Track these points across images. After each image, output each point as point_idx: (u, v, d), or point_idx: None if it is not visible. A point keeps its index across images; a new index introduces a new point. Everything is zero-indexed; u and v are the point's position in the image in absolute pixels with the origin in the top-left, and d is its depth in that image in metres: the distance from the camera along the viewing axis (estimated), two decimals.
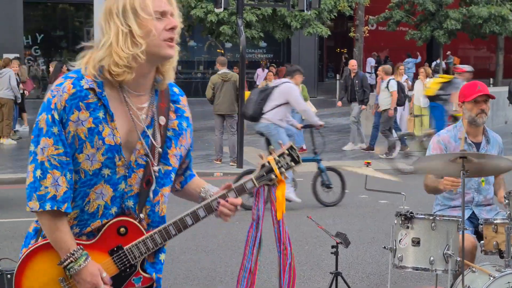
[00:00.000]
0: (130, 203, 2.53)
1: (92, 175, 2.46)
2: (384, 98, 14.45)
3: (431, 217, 4.40)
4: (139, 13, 2.40)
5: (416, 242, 4.37)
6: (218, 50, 29.49)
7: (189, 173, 2.83)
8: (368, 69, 31.08)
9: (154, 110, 2.54)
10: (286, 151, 2.68)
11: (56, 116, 2.42)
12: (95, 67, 2.44)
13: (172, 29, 2.45)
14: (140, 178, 2.52)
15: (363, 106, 15.37)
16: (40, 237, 2.59)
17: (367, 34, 30.57)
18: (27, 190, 2.48)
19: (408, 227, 4.41)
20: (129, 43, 2.40)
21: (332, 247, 5.11)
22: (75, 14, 29.17)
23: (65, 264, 2.45)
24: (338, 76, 32.30)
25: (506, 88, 18.89)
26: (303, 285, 6.17)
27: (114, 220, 2.51)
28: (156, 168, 2.55)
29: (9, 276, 4.37)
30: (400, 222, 4.45)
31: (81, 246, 2.47)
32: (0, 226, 8.45)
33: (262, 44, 26.55)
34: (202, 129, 17.93)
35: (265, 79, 17.34)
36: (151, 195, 2.58)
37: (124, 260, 2.53)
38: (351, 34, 24.38)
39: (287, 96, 9.64)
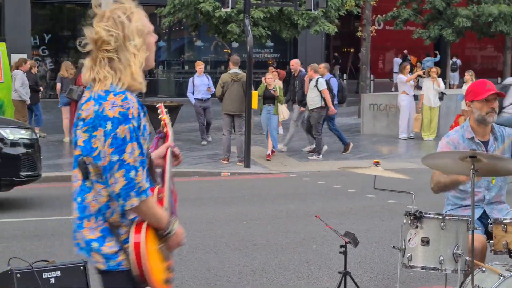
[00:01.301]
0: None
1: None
2: (313, 97, 13.87)
3: (440, 217, 4.39)
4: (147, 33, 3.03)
5: (425, 242, 4.36)
6: (225, 50, 29.50)
7: None
8: (396, 68, 31.05)
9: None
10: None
11: (135, 124, 2.90)
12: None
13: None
14: None
15: (302, 108, 14.71)
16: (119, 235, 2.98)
17: (375, 34, 30.54)
18: (121, 193, 2.88)
19: (417, 227, 4.40)
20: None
21: (341, 246, 5.11)
22: (82, 14, 29.23)
23: (168, 229, 2.99)
24: (345, 76, 32.32)
25: None
26: (312, 285, 6.17)
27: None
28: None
29: (18, 275, 4.38)
30: (409, 221, 4.44)
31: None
32: (9, 226, 8.48)
33: (269, 44, 26.55)
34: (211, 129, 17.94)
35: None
36: None
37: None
38: (358, 33, 24.31)
39: None
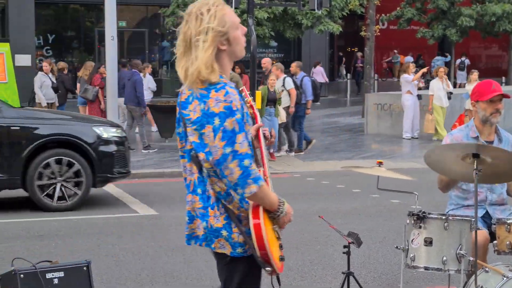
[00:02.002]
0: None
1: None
2: (282, 96, 13.86)
3: (443, 217, 4.38)
4: (232, 29, 3.18)
5: (428, 242, 4.36)
6: None
7: None
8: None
9: None
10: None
11: (239, 115, 3.08)
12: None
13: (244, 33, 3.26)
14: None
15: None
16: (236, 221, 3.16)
17: (379, 33, 30.50)
18: (239, 182, 3.05)
19: (420, 227, 4.39)
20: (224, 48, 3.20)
21: (344, 247, 5.10)
22: (86, 14, 29.26)
23: (280, 210, 3.17)
24: (349, 76, 32.28)
25: None
26: (315, 285, 6.17)
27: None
28: None
29: (22, 275, 4.39)
30: (413, 221, 4.43)
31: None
32: (13, 226, 8.49)
33: (273, 43, 26.53)
34: None
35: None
36: None
37: None
38: (362, 33, 24.28)
39: None
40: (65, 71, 17.40)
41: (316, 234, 7.85)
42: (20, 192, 9.86)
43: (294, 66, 14.82)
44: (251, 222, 3.10)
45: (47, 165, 9.24)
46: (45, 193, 9.23)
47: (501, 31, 27.91)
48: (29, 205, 9.78)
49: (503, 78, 30.07)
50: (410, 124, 16.94)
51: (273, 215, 3.19)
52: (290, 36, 22.53)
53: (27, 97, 16.51)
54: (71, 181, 9.33)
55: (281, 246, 3.26)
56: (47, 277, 4.46)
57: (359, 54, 32.30)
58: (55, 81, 15.98)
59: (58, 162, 9.29)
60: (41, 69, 16.23)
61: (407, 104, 16.80)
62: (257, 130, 3.36)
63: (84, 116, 12.35)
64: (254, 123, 3.35)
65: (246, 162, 3.05)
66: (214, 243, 3.21)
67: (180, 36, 3.16)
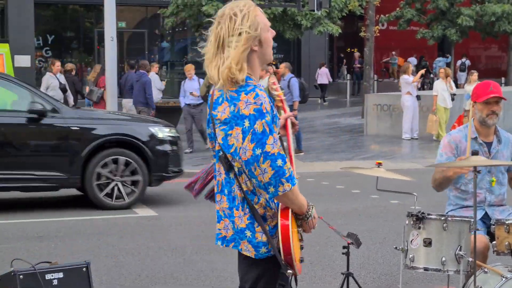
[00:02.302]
0: None
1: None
2: None
3: (442, 218, 4.38)
4: (263, 31, 3.23)
5: (427, 243, 4.36)
6: None
7: None
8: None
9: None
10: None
11: (269, 118, 3.11)
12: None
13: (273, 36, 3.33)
14: None
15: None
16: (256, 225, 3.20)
17: (378, 34, 30.51)
18: (271, 181, 3.07)
19: (419, 228, 4.39)
20: (256, 48, 3.24)
21: (343, 247, 5.11)
22: (85, 15, 29.27)
23: (309, 214, 3.21)
24: (349, 76, 32.28)
25: None
26: (314, 286, 6.17)
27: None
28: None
29: (21, 276, 4.39)
30: (412, 222, 4.43)
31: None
32: (12, 227, 8.49)
33: (273, 44, 26.49)
34: None
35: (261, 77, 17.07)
36: None
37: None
38: (362, 33, 24.31)
39: None
40: (73, 72, 17.36)
41: (316, 234, 7.84)
42: (20, 192, 9.86)
43: (282, 67, 14.81)
44: (280, 222, 3.14)
45: (105, 165, 9.45)
46: (104, 192, 9.45)
47: (501, 31, 27.91)
48: (28, 205, 9.79)
49: (503, 79, 30.08)
50: (410, 124, 16.95)
51: (301, 217, 3.21)
52: (289, 37, 22.54)
53: None
54: (128, 180, 9.54)
55: (301, 248, 3.30)
56: (46, 278, 4.45)
57: (357, 54, 32.32)
58: (63, 82, 15.77)
59: (115, 161, 9.50)
60: (44, 69, 16.13)
61: (407, 105, 16.80)
62: (286, 120, 3.43)
63: (140, 116, 12.66)
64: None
65: (279, 162, 3.07)
66: (241, 245, 3.26)
67: (211, 37, 3.20)
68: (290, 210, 3.16)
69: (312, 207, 3.24)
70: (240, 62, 3.13)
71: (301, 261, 3.26)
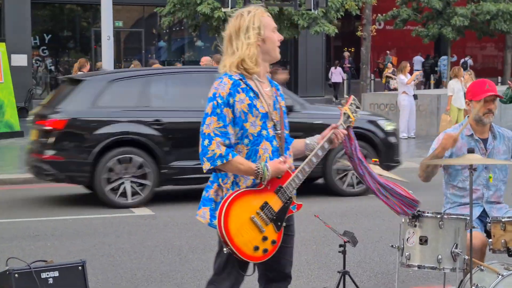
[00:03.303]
0: (279, 154, 3.67)
1: (257, 136, 3.61)
2: None
3: (438, 216, 4.38)
4: (267, 30, 3.65)
5: (423, 241, 4.36)
6: None
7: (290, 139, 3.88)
8: (418, 66, 31.10)
9: (274, 91, 3.74)
10: (352, 101, 3.92)
11: (220, 101, 3.54)
12: (237, 67, 3.61)
13: (279, 40, 3.72)
14: (279, 137, 3.69)
15: None
16: (221, 197, 3.62)
17: (375, 33, 30.51)
18: (200, 157, 3.56)
19: (415, 226, 4.39)
20: (256, 50, 3.63)
21: (340, 246, 5.10)
22: (82, 14, 29.22)
23: (260, 177, 3.55)
24: (346, 76, 32.26)
25: None
26: (311, 284, 6.16)
27: None
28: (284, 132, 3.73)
29: (16, 275, 4.37)
30: (408, 220, 4.43)
31: (259, 161, 3.60)
32: (8, 226, 8.48)
33: None
34: None
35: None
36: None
37: (285, 194, 3.65)
38: (359, 33, 24.30)
39: None
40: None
41: (313, 233, 7.85)
42: (15, 192, 9.84)
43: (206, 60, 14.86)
44: (222, 202, 3.56)
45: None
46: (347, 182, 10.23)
47: (496, 30, 27.93)
48: (24, 205, 9.77)
49: (499, 78, 30.11)
50: (406, 124, 16.96)
51: (259, 180, 3.56)
52: (286, 37, 22.53)
53: (23, 97, 16.48)
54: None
55: (265, 238, 3.57)
56: (42, 276, 4.44)
57: (347, 54, 32.30)
58: None
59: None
60: (80, 69, 15.93)
61: (403, 104, 16.82)
62: (330, 130, 3.85)
63: (369, 112, 13.59)
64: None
65: (206, 142, 3.52)
66: (204, 211, 3.75)
67: (224, 38, 3.69)
68: (236, 194, 3.53)
69: (260, 168, 3.54)
70: (255, 58, 3.62)
71: (264, 251, 3.58)
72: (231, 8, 15.45)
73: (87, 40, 28.54)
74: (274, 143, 3.65)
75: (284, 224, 3.67)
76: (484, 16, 27.12)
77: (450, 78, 18.01)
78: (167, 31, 29.67)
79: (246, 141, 3.60)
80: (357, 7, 23.49)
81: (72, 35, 29.01)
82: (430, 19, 28.46)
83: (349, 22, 33.43)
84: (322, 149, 3.78)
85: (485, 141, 4.91)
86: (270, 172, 3.56)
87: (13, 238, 7.87)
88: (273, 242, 3.61)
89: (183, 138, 9.64)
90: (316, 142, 3.86)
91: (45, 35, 27.81)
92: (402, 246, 4.46)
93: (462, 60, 31.60)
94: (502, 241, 4.42)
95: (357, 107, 3.96)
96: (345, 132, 3.85)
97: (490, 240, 4.52)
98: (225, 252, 3.57)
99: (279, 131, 3.68)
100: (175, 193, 10.45)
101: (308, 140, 3.89)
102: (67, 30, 28.91)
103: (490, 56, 38.14)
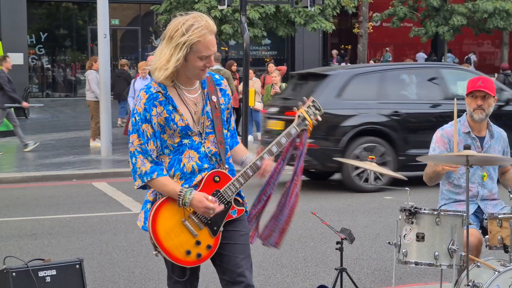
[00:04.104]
0: (214, 159, 3.54)
1: (177, 146, 3.50)
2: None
3: (435, 212, 4.39)
4: (193, 54, 3.42)
5: (420, 237, 4.36)
6: (222, 48, 29.49)
7: (235, 140, 3.77)
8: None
9: (205, 95, 3.55)
10: (311, 103, 3.70)
11: (138, 118, 3.46)
12: (161, 72, 3.44)
13: (207, 66, 3.48)
14: (213, 141, 3.54)
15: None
16: (157, 198, 3.54)
17: (371, 30, 30.49)
18: (132, 175, 3.53)
19: (412, 222, 4.39)
20: (178, 63, 3.42)
21: (337, 243, 5.11)
22: (78, 13, 29.18)
23: (180, 202, 3.44)
24: None
25: None
26: (308, 281, 6.17)
27: (209, 172, 3.52)
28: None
29: (14, 274, 4.37)
30: (405, 217, 4.43)
31: (186, 186, 3.46)
32: (6, 225, 8.47)
33: (266, 41, 26.47)
34: None
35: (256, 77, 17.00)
36: (224, 151, 3.58)
37: (222, 199, 3.52)
38: (355, 30, 24.28)
39: None
40: (126, 68, 17.79)
41: (310, 230, 7.86)
42: (13, 191, 9.82)
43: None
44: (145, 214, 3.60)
45: None
46: None
47: (493, 27, 27.95)
48: (21, 203, 9.75)
49: (496, 74, 30.12)
50: None
51: (178, 204, 3.47)
52: (282, 34, 22.53)
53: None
54: None
55: (198, 243, 3.50)
56: (39, 275, 4.43)
57: (335, 52, 32.21)
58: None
59: None
60: (90, 67, 15.83)
61: None
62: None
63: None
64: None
65: (133, 160, 3.49)
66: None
67: (163, 35, 3.64)
68: (162, 199, 3.48)
69: (185, 196, 3.42)
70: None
71: (197, 255, 3.52)
72: (227, 6, 15.41)
73: (83, 38, 28.52)
74: (202, 149, 3.51)
75: (221, 229, 3.55)
76: (481, 14, 27.13)
77: None
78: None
79: (166, 151, 3.52)
80: (353, 5, 23.49)
81: (68, 34, 28.97)
82: (427, 17, 28.45)
83: (345, 20, 33.43)
84: (261, 158, 3.63)
85: (481, 139, 4.91)
86: (192, 201, 3.42)
87: (10, 236, 7.86)
88: (209, 247, 3.54)
89: (418, 128, 10.57)
90: (249, 161, 3.66)
91: (41, 33, 27.78)
92: (399, 243, 4.46)
93: (466, 57, 31.72)
94: (499, 237, 4.43)
95: (317, 109, 3.70)
96: (270, 169, 3.71)
97: (487, 236, 4.53)
98: (154, 254, 3.55)
99: (208, 137, 3.53)
100: None
101: (249, 155, 3.73)
102: (63, 28, 28.87)
103: (487, 53, 38.15)
